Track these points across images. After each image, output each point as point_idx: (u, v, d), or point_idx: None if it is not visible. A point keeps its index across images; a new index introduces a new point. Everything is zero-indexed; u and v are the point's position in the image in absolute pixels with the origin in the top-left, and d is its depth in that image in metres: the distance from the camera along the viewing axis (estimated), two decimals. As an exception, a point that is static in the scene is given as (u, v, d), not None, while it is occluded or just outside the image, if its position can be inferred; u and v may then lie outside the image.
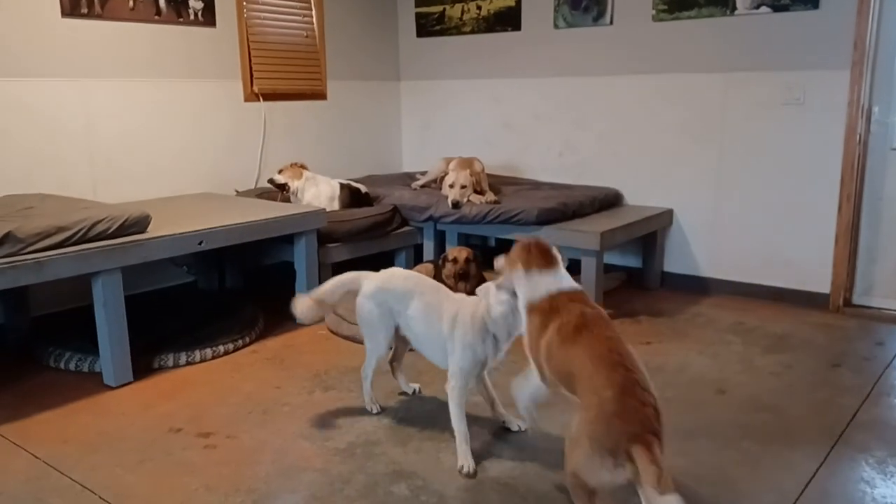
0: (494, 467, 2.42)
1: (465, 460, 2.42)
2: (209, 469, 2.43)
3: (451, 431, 2.59)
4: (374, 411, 2.82)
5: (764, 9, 4.01)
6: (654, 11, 4.39)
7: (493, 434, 2.64)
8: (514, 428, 2.65)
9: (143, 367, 3.24)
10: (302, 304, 2.73)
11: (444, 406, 2.85)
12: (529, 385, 2.28)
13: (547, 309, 2.16)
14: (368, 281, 2.73)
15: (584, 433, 1.89)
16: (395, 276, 2.73)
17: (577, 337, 2.03)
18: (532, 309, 2.20)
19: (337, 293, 2.76)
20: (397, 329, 2.71)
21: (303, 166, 4.41)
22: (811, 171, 4.02)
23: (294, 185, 4.29)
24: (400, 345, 2.86)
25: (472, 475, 2.38)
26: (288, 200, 4.28)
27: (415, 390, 3.00)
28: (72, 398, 2.99)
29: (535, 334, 2.17)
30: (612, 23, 4.58)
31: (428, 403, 2.90)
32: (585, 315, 2.09)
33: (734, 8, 4.10)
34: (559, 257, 2.28)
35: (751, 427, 2.70)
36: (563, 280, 2.22)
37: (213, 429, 2.72)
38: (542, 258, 2.23)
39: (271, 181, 4.31)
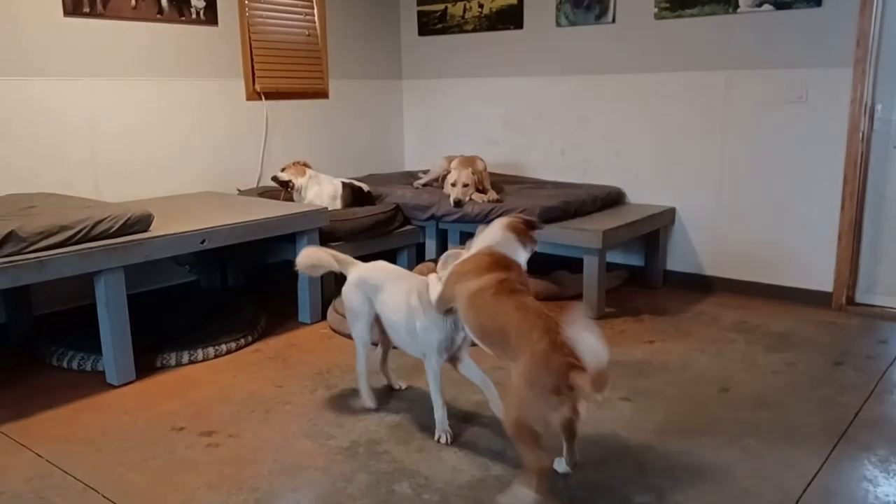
0: (497, 466, 2.42)
1: (442, 430, 2.60)
2: (211, 467, 2.44)
3: (455, 431, 2.63)
4: (369, 405, 2.84)
5: (766, 6, 4.00)
6: (656, 9, 4.38)
7: (496, 433, 2.64)
8: None
9: (145, 365, 3.24)
10: (305, 255, 2.91)
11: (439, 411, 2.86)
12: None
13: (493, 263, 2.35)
14: (354, 270, 2.85)
15: (525, 379, 2.08)
16: (375, 267, 2.85)
17: (511, 296, 2.25)
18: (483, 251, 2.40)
19: (332, 264, 2.90)
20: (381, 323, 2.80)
21: (306, 164, 4.41)
22: (814, 169, 4.01)
23: (297, 182, 4.29)
24: (386, 340, 2.92)
25: (448, 443, 2.56)
26: (291, 199, 4.28)
27: (399, 386, 3.05)
28: (74, 397, 3.00)
29: (468, 276, 2.36)
30: (614, 21, 4.57)
31: (430, 402, 2.90)
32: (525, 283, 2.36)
33: (736, 6, 4.09)
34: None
35: (753, 425, 2.70)
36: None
37: (215, 427, 2.73)
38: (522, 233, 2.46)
39: (275, 178, 4.31)
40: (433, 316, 2.52)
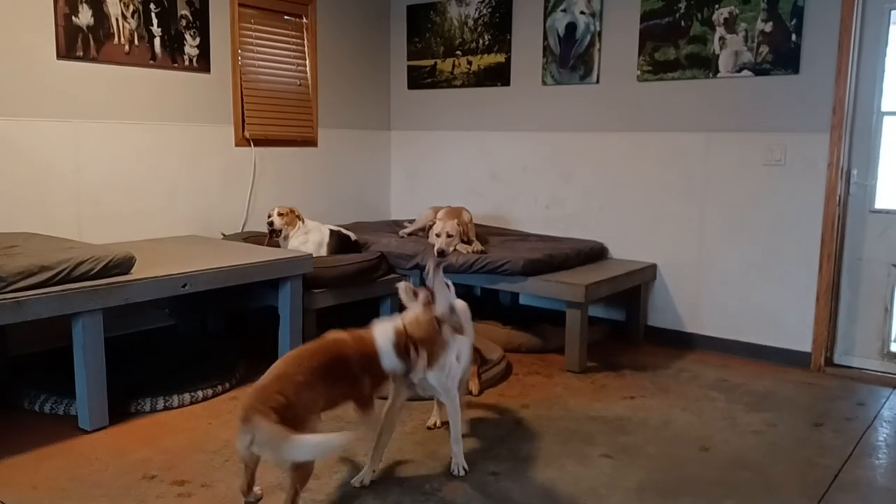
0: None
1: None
2: (182, 519, 2.37)
3: (435, 485, 2.58)
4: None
5: (745, 72, 4.13)
6: (639, 72, 4.51)
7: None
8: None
9: (119, 410, 3.17)
10: None
11: (428, 458, 2.82)
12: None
13: None
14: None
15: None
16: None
17: None
18: None
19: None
20: None
21: (297, 215, 4.39)
22: (792, 231, 4.09)
23: (283, 229, 4.29)
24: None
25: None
26: (277, 244, 4.28)
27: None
28: (45, 442, 2.92)
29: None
30: (598, 81, 4.69)
31: (409, 455, 2.86)
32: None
33: (717, 71, 4.22)
34: None
35: (734, 485, 2.68)
36: None
37: (188, 477, 2.66)
38: None
39: (270, 224, 4.31)
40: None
